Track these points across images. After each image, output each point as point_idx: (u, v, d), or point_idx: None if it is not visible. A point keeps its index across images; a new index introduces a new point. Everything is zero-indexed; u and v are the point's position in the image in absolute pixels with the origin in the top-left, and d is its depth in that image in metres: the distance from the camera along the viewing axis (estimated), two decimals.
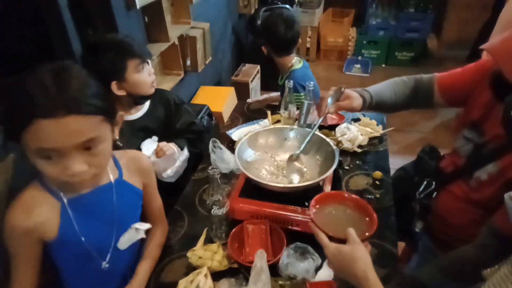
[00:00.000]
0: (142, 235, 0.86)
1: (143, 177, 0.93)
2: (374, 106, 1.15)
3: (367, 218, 0.85)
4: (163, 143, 1.32)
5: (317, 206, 0.88)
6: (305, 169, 1.18)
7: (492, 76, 0.94)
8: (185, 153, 1.37)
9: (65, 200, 0.77)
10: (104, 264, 0.86)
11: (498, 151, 0.93)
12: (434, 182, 1.13)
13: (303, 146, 1.13)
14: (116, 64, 1.17)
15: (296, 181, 1.14)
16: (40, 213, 0.75)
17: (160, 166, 1.29)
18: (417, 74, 1.19)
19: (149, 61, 1.29)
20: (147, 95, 1.30)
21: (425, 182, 1.14)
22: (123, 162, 0.89)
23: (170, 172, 1.29)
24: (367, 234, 0.78)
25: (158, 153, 1.28)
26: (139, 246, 0.97)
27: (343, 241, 0.77)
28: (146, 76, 1.26)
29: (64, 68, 0.67)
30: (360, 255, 0.73)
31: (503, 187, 0.91)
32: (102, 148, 0.71)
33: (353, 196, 0.90)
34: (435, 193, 1.13)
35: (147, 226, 0.87)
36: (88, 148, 0.69)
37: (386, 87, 1.17)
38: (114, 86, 1.20)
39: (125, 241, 0.85)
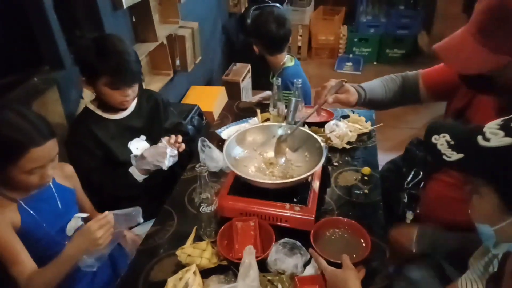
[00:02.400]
0: (82, 222, 1.10)
1: (70, 181, 1.16)
2: (367, 103, 1.19)
3: (362, 241, 0.97)
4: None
5: (317, 232, 0.99)
6: (292, 162, 1.20)
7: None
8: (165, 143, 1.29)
9: (20, 200, 0.99)
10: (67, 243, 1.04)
11: None
12: (421, 172, 1.14)
13: (294, 128, 1.15)
14: (95, 66, 1.18)
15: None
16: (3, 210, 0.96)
17: (151, 158, 1.25)
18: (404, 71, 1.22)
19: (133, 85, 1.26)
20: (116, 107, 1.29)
21: (412, 172, 1.16)
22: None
23: (167, 163, 1.25)
24: (354, 255, 0.92)
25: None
26: None
27: (341, 265, 0.88)
28: (116, 95, 1.24)
29: (22, 109, 0.95)
30: (352, 281, 0.83)
31: None
32: (57, 157, 1.00)
33: (350, 221, 1.02)
34: (422, 182, 1.15)
35: (85, 214, 1.11)
36: (53, 159, 0.97)
37: (378, 84, 1.20)
38: (81, 81, 1.23)
39: (71, 228, 1.08)
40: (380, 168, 1.32)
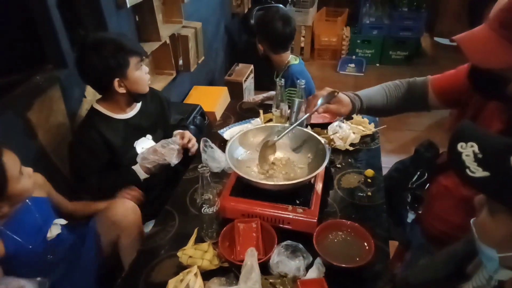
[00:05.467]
0: (60, 229, 1.13)
1: (43, 189, 1.15)
2: (365, 111, 1.16)
3: (365, 244, 0.97)
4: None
5: (319, 237, 0.98)
6: (295, 164, 1.19)
7: (469, 69, 0.94)
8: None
9: (1, 227, 0.98)
10: (49, 257, 1.09)
11: None
12: (426, 173, 1.13)
13: (281, 135, 1.14)
14: (119, 60, 1.19)
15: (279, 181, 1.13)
16: None
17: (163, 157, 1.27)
18: (411, 76, 1.19)
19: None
20: (143, 93, 1.31)
21: (418, 173, 1.15)
22: None
23: (175, 160, 1.28)
24: (357, 259, 0.93)
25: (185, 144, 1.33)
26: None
27: (344, 268, 0.89)
28: (144, 73, 1.28)
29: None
30: None
31: None
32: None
33: (353, 223, 1.01)
34: (428, 184, 1.14)
35: (63, 222, 1.13)
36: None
37: (378, 91, 1.16)
38: (116, 83, 1.21)
39: (51, 235, 1.09)
40: (385, 169, 1.31)
